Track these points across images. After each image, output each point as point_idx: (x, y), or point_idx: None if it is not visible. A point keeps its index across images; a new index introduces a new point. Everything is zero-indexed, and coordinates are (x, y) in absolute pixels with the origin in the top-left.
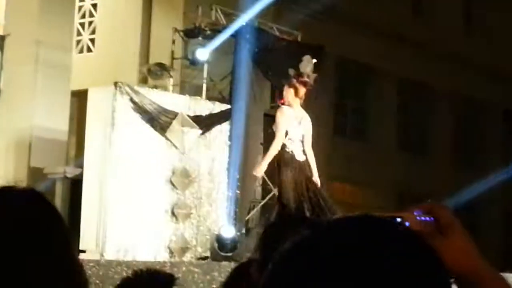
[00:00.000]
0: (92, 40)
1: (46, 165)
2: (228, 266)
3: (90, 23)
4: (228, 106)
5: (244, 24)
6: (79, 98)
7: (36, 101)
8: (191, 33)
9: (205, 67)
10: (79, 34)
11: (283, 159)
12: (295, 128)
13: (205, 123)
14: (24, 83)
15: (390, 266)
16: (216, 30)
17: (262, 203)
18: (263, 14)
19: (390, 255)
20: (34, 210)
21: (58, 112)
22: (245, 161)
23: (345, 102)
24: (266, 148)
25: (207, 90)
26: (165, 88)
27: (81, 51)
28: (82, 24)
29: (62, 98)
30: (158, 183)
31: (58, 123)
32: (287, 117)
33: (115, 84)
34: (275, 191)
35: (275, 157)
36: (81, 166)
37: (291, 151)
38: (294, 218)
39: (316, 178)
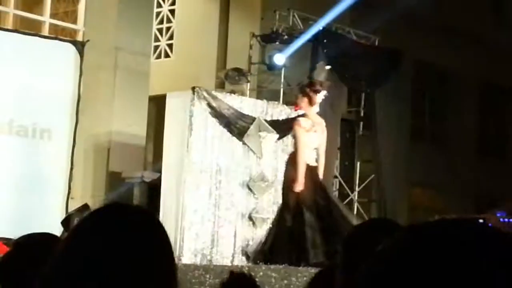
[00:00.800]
0: (170, 46)
1: (124, 169)
2: (305, 271)
3: (168, 28)
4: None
5: (321, 28)
6: (157, 103)
7: (114, 106)
8: (269, 38)
9: (282, 71)
10: (157, 40)
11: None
12: (311, 136)
13: (282, 128)
14: (103, 88)
15: (492, 268)
16: (293, 35)
17: None
18: (340, 18)
19: (491, 257)
20: (149, 226)
21: (136, 117)
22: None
23: (423, 106)
24: (342, 153)
25: (284, 94)
26: (242, 93)
27: (159, 57)
28: (160, 30)
29: (140, 103)
30: (235, 187)
31: (136, 128)
32: (303, 128)
33: (193, 89)
34: (352, 195)
35: (287, 161)
36: (158, 170)
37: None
38: (376, 223)
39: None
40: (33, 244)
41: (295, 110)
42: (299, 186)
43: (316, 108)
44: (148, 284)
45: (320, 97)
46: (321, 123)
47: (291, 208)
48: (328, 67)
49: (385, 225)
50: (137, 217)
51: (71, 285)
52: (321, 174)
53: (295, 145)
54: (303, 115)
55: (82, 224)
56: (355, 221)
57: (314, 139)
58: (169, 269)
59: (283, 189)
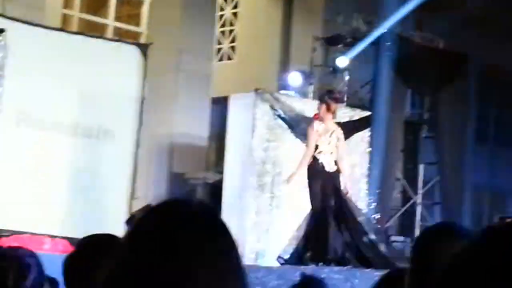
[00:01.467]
0: (233, 48)
1: (186, 170)
2: (369, 273)
3: (231, 31)
4: (368, 113)
5: (385, 31)
6: (219, 105)
7: (177, 108)
8: (332, 41)
9: (345, 74)
10: (219, 42)
11: (313, 170)
12: (325, 141)
13: (345, 129)
14: (166, 90)
15: None
16: (357, 37)
17: (402, 211)
18: (404, 21)
19: None
20: (212, 221)
21: (198, 118)
22: (386, 168)
23: (487, 110)
24: (406, 156)
25: (347, 97)
26: (305, 95)
27: (221, 59)
28: (223, 33)
29: (203, 105)
30: (298, 189)
31: (199, 129)
32: (315, 131)
33: (256, 90)
34: (415, 198)
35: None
36: (221, 172)
37: (321, 163)
38: (444, 228)
39: (347, 188)
40: (96, 244)
41: (314, 120)
42: (290, 181)
43: (333, 116)
44: (216, 284)
45: (338, 105)
46: (337, 129)
47: (317, 213)
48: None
49: (454, 229)
50: (199, 212)
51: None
52: (346, 181)
53: (306, 145)
54: (319, 119)
55: (143, 222)
56: (367, 237)
57: (329, 144)
58: (236, 267)
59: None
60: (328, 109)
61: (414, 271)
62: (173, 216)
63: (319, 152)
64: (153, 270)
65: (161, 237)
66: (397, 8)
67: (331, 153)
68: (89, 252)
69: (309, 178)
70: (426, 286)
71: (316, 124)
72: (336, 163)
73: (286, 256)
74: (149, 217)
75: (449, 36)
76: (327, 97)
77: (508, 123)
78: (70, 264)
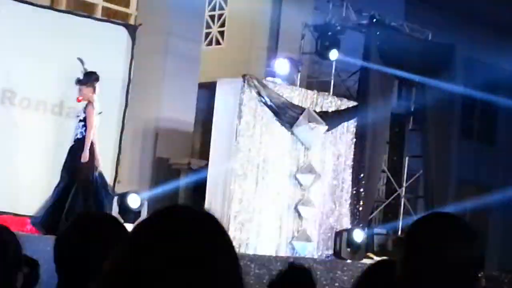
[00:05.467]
0: (221, 33)
1: (171, 155)
2: (351, 265)
3: (220, 15)
4: (355, 103)
5: (374, 21)
6: (206, 90)
7: (164, 91)
8: (321, 29)
9: (334, 63)
10: (208, 26)
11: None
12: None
13: (331, 119)
14: (153, 73)
15: None
16: (346, 26)
17: (386, 203)
18: (393, 11)
19: None
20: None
21: (185, 103)
22: (371, 160)
23: (473, 104)
24: (391, 148)
25: (335, 86)
26: (292, 83)
27: (210, 44)
28: (212, 17)
29: (190, 90)
30: (282, 178)
31: (185, 114)
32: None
33: (244, 76)
34: (400, 191)
35: None
36: (206, 158)
37: None
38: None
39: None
40: (90, 222)
41: (78, 102)
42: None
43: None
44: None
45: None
46: None
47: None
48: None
49: (446, 219)
50: (201, 221)
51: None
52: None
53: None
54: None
55: (146, 224)
56: None
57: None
58: (235, 275)
59: None
60: (94, 91)
61: (406, 260)
62: (175, 222)
63: None
64: (153, 271)
65: (163, 241)
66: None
67: None
68: (81, 232)
69: None
70: (417, 275)
71: (96, 105)
72: None
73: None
74: (152, 220)
75: (438, 28)
76: (93, 79)
77: (493, 117)
78: (61, 244)
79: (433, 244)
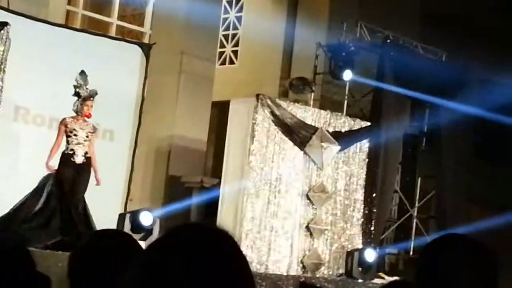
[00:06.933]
0: (235, 52)
1: (183, 174)
2: (362, 285)
3: (234, 35)
4: (368, 124)
5: (388, 41)
6: (220, 109)
7: (177, 110)
8: (335, 49)
9: (347, 83)
10: (222, 46)
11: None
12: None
13: (344, 139)
14: (167, 92)
15: None
16: (360, 46)
17: (398, 223)
18: (407, 32)
19: None
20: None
21: (198, 122)
22: (383, 179)
23: (486, 124)
24: (404, 168)
25: (348, 106)
26: (306, 103)
27: (223, 63)
28: (225, 36)
29: (203, 109)
30: (294, 197)
31: (198, 133)
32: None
33: (257, 96)
34: (412, 211)
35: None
36: (218, 176)
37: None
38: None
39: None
40: (104, 240)
41: (89, 118)
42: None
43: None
44: None
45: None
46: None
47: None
48: None
49: (460, 241)
50: (217, 239)
51: None
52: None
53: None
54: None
55: (161, 243)
56: None
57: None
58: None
59: None
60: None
61: (421, 281)
62: (191, 241)
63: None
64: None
65: (179, 260)
66: (401, 18)
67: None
68: (96, 247)
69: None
70: None
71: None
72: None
73: None
74: (167, 239)
75: (452, 49)
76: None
77: (506, 138)
78: (77, 260)
79: (448, 268)
